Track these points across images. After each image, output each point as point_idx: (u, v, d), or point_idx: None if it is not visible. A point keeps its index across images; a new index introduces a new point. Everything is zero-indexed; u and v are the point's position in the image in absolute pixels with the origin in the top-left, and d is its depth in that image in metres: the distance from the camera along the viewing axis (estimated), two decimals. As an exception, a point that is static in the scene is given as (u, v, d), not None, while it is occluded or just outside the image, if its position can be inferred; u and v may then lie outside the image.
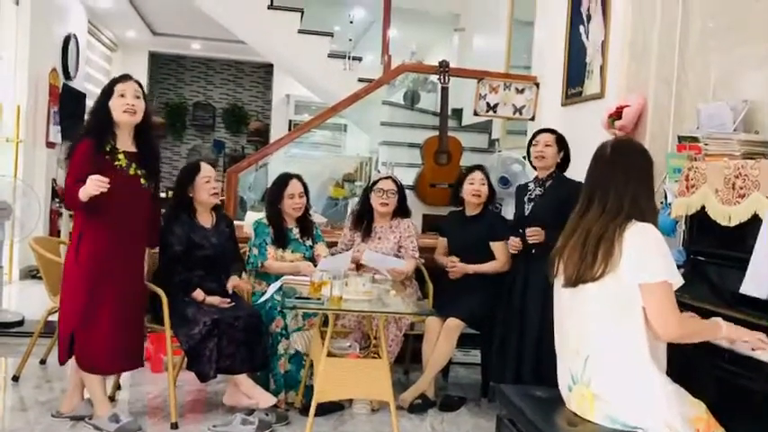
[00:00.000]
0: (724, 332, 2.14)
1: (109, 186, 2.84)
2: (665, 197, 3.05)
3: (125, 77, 3.10)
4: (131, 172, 3.05)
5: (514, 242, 3.64)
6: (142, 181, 3.10)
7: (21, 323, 4.73)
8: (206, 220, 3.55)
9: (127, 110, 3.02)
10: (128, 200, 3.03)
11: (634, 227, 2.07)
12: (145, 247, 3.28)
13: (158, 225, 3.39)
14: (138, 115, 3.06)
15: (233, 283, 3.53)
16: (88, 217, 3.00)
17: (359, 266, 3.81)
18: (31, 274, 6.44)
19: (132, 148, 3.10)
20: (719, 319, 2.17)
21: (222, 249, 3.54)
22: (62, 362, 3.13)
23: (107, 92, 3.05)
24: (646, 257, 2.03)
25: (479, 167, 4.03)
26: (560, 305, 2.27)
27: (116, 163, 3.01)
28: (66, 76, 7.42)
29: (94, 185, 2.81)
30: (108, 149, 3.00)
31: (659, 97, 3.54)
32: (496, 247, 3.86)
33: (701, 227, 2.76)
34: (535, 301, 3.48)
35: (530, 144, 3.76)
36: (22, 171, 6.14)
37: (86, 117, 3.30)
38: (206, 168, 3.53)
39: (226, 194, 4.69)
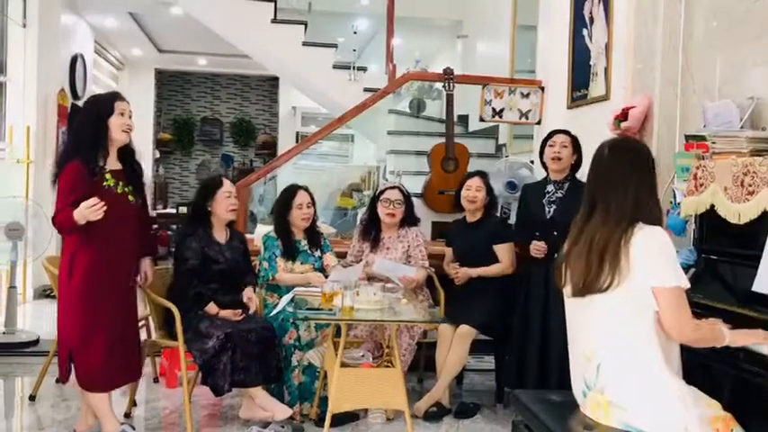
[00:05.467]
0: (727, 340, 2.12)
1: (105, 209, 2.84)
2: (674, 197, 3.04)
3: (121, 96, 3.15)
4: (119, 190, 3.06)
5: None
6: (130, 198, 3.11)
7: (36, 342, 4.76)
8: (221, 235, 3.59)
9: (125, 129, 3.08)
10: (117, 218, 3.00)
11: (641, 232, 2.04)
12: (135, 262, 3.26)
13: (151, 233, 3.44)
14: (131, 134, 3.15)
15: (249, 294, 3.56)
16: (80, 237, 2.99)
17: (369, 278, 3.81)
18: (44, 293, 6.49)
19: (117, 166, 3.12)
20: (724, 329, 2.14)
21: (236, 264, 3.58)
22: (64, 381, 3.12)
23: (107, 109, 3.05)
24: (656, 262, 2.01)
25: (478, 173, 4.02)
26: (569, 312, 2.26)
27: (104, 183, 3.02)
28: (74, 95, 7.49)
29: (92, 212, 2.81)
30: (96, 171, 3.00)
31: (665, 97, 3.53)
32: (500, 249, 3.86)
33: (711, 225, 2.75)
34: (558, 306, 3.45)
35: (543, 145, 3.74)
36: (32, 191, 6.19)
37: (74, 134, 3.31)
38: (227, 183, 3.61)
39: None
